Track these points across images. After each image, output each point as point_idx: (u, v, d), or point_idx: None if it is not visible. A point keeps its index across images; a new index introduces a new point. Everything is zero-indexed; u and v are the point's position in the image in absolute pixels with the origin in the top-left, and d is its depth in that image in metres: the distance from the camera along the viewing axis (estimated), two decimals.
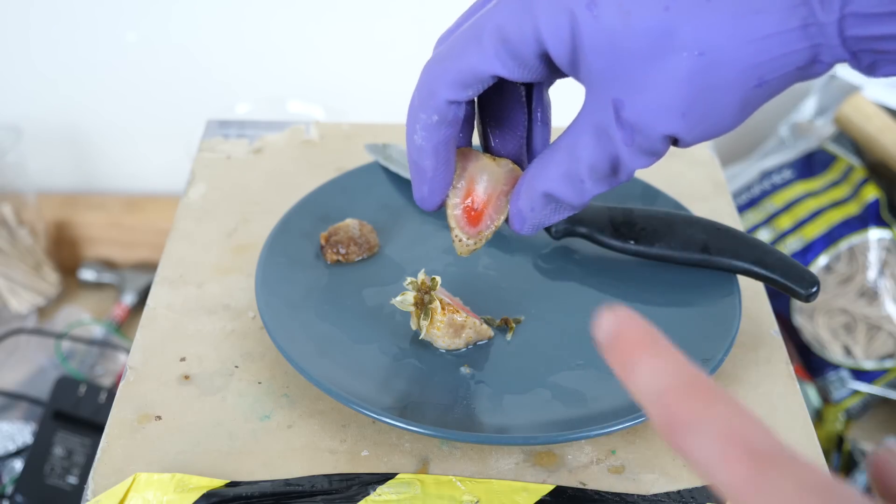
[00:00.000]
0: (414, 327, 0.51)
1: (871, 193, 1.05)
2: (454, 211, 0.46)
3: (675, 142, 0.39)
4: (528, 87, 0.44)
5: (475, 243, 0.46)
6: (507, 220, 0.45)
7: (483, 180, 0.46)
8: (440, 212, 0.47)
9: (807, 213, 1.07)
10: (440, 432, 0.45)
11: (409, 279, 0.50)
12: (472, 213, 0.46)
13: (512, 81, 0.43)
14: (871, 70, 0.36)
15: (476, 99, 0.45)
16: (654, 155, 0.39)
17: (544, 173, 0.42)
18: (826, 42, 0.35)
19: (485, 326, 0.51)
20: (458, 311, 0.49)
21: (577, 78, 0.39)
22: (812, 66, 0.37)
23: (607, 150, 0.40)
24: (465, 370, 0.50)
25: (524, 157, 0.46)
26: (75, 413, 0.96)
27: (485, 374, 0.50)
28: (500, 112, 0.45)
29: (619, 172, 0.40)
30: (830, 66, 0.37)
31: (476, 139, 0.52)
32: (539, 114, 0.45)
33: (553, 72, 0.40)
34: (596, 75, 0.38)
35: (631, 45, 0.37)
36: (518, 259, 0.57)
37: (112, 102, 1.27)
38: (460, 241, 0.46)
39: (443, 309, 0.49)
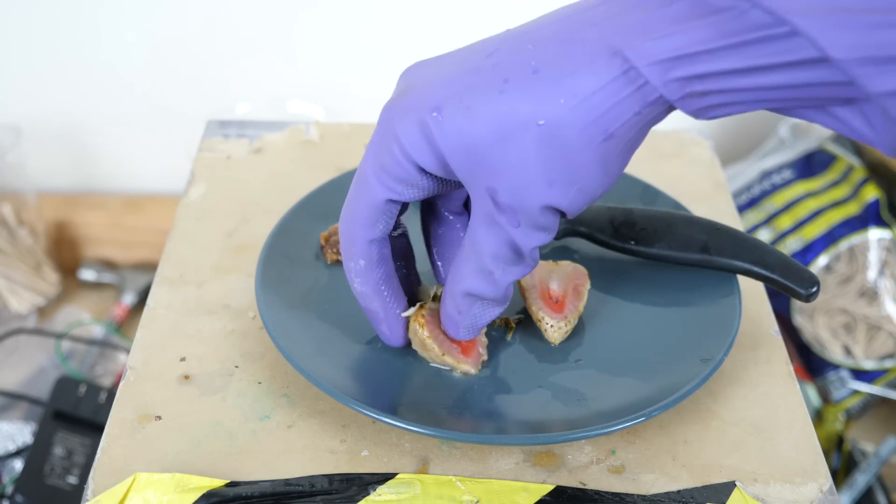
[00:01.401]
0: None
1: (871, 193, 1.05)
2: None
3: (563, 213, 0.41)
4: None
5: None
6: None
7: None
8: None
9: (807, 213, 1.07)
10: (440, 432, 0.45)
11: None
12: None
13: (449, 213, 0.47)
14: (699, 114, 0.38)
15: (427, 235, 0.49)
16: (545, 230, 0.41)
17: (458, 275, 0.45)
18: (652, 82, 0.36)
19: (455, 362, 0.50)
20: (431, 337, 0.49)
21: (457, 178, 0.42)
22: (651, 109, 0.38)
23: (500, 237, 0.42)
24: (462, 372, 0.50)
25: None
26: (75, 413, 0.96)
27: (484, 373, 0.50)
28: (446, 246, 0.49)
29: (522, 255, 0.42)
30: (668, 108, 0.38)
31: None
32: None
33: (443, 182, 0.43)
34: (465, 172, 0.40)
35: (481, 135, 0.39)
36: None
37: (112, 102, 1.27)
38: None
39: (421, 326, 0.49)
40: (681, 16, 0.35)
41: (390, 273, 0.47)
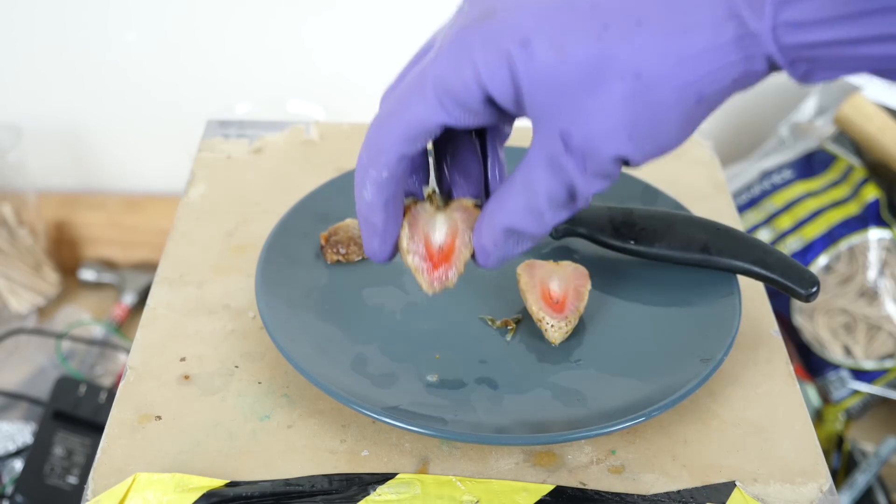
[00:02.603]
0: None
1: (871, 193, 1.05)
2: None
3: (627, 162, 0.40)
4: (481, 130, 0.46)
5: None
6: (473, 257, 0.46)
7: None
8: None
9: (807, 213, 1.07)
10: (440, 432, 0.45)
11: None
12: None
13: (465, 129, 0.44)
14: (806, 78, 0.37)
15: (432, 145, 0.46)
16: (608, 177, 0.40)
17: (504, 208, 0.43)
18: (761, 51, 0.36)
19: (417, 271, 0.47)
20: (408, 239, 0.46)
21: (524, 115, 0.40)
22: (748, 77, 0.37)
23: (562, 179, 0.40)
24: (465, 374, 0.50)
25: (482, 195, 0.47)
26: (75, 413, 0.96)
27: (485, 373, 0.50)
28: (455, 155, 0.46)
29: (576, 199, 0.41)
30: (767, 74, 0.37)
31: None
32: (494, 157, 0.46)
33: (500, 113, 0.41)
34: (540, 110, 0.39)
35: (569, 78, 0.38)
36: (518, 259, 0.57)
37: (112, 102, 1.27)
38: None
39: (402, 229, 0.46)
40: None
41: (402, 191, 0.45)
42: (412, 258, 0.46)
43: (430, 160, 0.47)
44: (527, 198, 0.42)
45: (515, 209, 0.42)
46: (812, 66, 0.36)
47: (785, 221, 1.08)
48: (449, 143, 0.46)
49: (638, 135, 0.38)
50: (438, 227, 0.46)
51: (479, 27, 0.39)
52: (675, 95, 0.37)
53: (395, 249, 0.46)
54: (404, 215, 0.46)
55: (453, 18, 0.41)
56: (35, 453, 0.91)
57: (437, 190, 0.47)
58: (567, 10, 0.38)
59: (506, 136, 0.46)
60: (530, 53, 0.38)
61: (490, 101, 0.40)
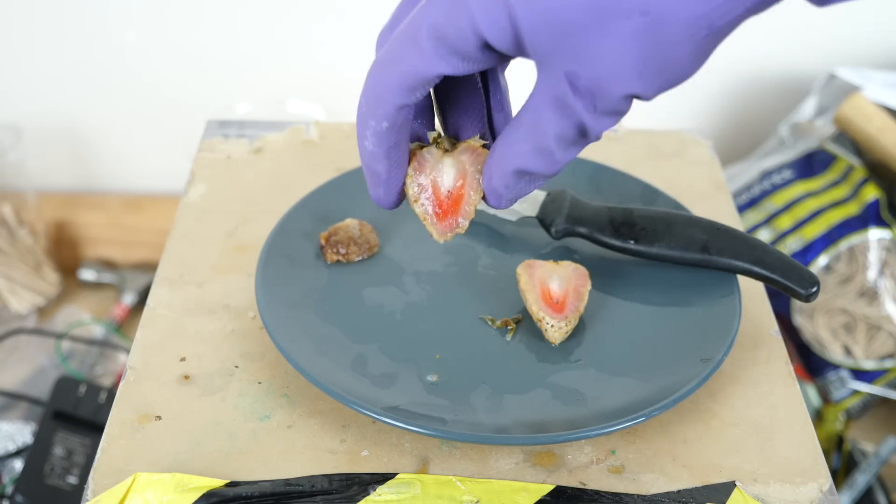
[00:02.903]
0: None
1: (871, 193, 1.05)
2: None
3: (638, 96, 0.39)
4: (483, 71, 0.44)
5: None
6: (484, 199, 0.44)
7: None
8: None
9: (807, 213, 1.07)
10: (440, 432, 0.45)
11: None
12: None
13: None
14: (821, 1, 0.36)
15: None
16: (619, 114, 0.39)
17: (512, 151, 0.41)
18: None
19: (426, 221, 0.46)
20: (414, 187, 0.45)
21: (526, 57, 0.39)
22: (764, 4, 0.36)
23: (571, 119, 0.39)
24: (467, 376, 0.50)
25: (487, 134, 0.45)
26: (75, 413, 0.96)
27: (485, 373, 0.50)
28: (456, 96, 0.45)
29: (587, 136, 0.40)
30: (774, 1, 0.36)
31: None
32: (497, 95, 0.44)
33: (501, 57, 0.40)
34: (543, 53, 0.38)
35: (571, 20, 0.36)
36: (518, 259, 0.57)
37: (112, 102, 1.27)
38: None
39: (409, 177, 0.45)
40: None
41: (405, 138, 0.43)
42: (420, 206, 0.45)
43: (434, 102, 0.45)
44: (535, 139, 0.40)
45: (524, 151, 0.41)
46: None
47: (785, 221, 1.08)
48: (449, 81, 0.44)
49: (648, 71, 0.37)
50: (446, 171, 0.44)
51: None
52: (685, 30, 0.36)
53: (401, 196, 0.45)
54: (410, 161, 0.44)
55: None
56: (35, 453, 0.91)
57: (442, 133, 0.45)
58: None
59: (507, 64, 0.44)
60: None
61: (488, 47, 0.38)
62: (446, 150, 0.45)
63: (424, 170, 0.45)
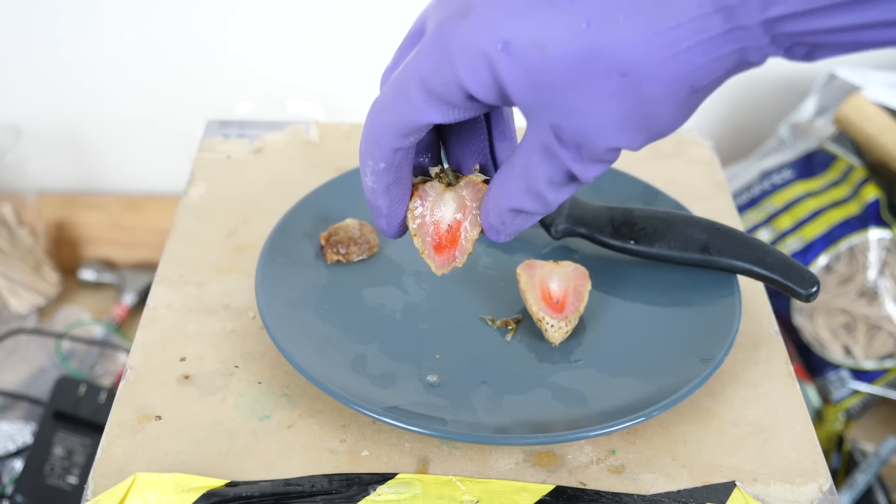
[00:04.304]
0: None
1: (871, 193, 1.05)
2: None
3: (623, 148, 0.39)
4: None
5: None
6: (482, 233, 0.45)
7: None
8: None
9: (807, 213, 1.07)
10: (440, 432, 0.45)
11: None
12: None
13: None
14: (808, 58, 0.36)
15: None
16: (606, 163, 0.40)
17: (506, 191, 0.42)
18: (754, 43, 0.35)
19: (424, 253, 0.47)
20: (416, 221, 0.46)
21: (514, 106, 0.40)
22: (744, 66, 0.36)
23: (559, 167, 0.40)
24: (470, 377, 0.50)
25: (489, 164, 0.46)
26: (75, 413, 0.96)
27: (485, 374, 0.50)
28: (458, 128, 0.45)
29: (577, 180, 0.41)
30: (766, 60, 0.36)
31: None
32: (500, 125, 0.45)
33: (493, 105, 0.40)
34: (528, 106, 0.38)
35: (553, 77, 0.37)
36: (518, 259, 0.57)
37: (112, 102, 1.27)
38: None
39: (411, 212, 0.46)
40: None
41: (405, 175, 0.44)
42: (419, 240, 0.46)
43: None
44: (527, 182, 0.41)
45: (518, 192, 0.42)
46: (811, 48, 0.35)
47: (785, 221, 1.08)
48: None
49: (630, 127, 0.37)
50: (447, 206, 0.45)
51: (457, 26, 0.37)
52: (666, 90, 0.36)
53: (404, 228, 0.46)
54: (413, 194, 0.45)
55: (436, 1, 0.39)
56: (35, 453, 0.91)
57: (444, 168, 0.46)
58: (545, 5, 0.36)
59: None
60: (510, 54, 0.36)
61: (476, 98, 0.39)
62: (449, 185, 0.45)
63: (426, 204, 0.46)
